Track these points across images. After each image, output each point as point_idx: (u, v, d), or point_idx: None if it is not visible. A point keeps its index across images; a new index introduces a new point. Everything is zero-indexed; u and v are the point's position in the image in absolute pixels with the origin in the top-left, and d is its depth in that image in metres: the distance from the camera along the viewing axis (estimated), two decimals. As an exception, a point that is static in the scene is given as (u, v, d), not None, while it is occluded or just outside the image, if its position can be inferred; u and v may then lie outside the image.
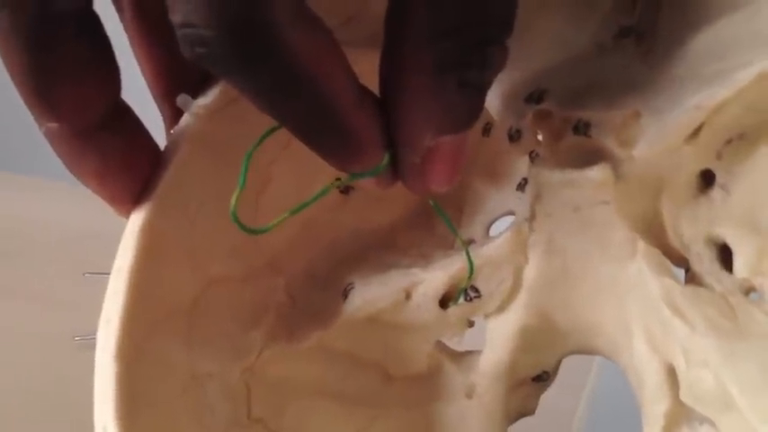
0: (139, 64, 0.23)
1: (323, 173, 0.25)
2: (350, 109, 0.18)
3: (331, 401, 0.25)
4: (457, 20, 0.17)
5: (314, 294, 0.25)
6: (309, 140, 0.18)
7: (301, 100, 0.17)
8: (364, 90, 0.18)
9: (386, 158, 0.19)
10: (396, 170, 0.19)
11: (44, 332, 0.46)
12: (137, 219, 0.20)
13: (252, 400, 0.23)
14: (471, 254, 0.25)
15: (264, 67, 0.16)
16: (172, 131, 0.22)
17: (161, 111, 0.23)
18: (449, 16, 0.17)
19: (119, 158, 0.20)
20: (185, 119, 0.22)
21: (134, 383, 0.20)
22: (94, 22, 0.19)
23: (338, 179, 0.20)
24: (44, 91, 0.18)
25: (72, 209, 0.60)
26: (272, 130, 0.19)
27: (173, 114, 0.22)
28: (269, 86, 0.17)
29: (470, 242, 0.27)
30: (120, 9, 0.22)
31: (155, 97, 0.23)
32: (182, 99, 0.22)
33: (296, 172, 0.24)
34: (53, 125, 0.19)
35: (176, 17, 0.16)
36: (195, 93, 0.22)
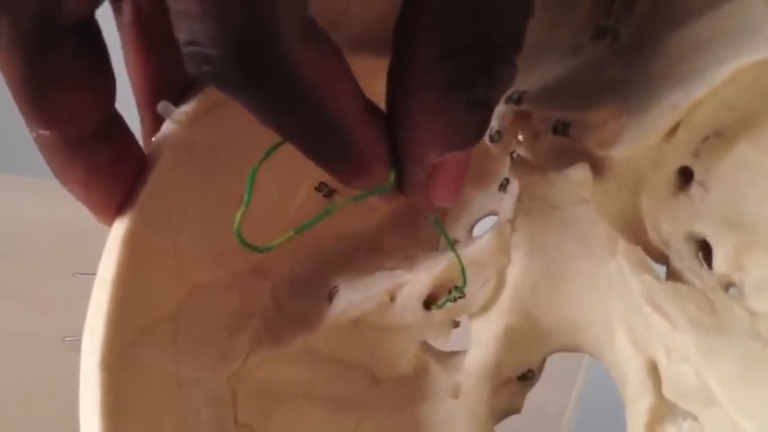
0: (128, 67, 0.22)
1: (306, 177, 0.25)
2: (357, 126, 0.17)
3: (318, 405, 0.25)
4: (465, 39, 0.17)
5: (299, 299, 0.25)
6: (316, 157, 0.18)
7: (308, 118, 0.17)
8: (371, 106, 0.18)
9: (392, 175, 0.19)
10: (400, 185, 0.19)
11: (34, 332, 0.46)
12: (119, 227, 0.20)
13: (238, 405, 0.23)
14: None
15: (271, 85, 0.16)
16: (153, 139, 0.22)
17: (141, 117, 0.23)
18: (457, 35, 0.17)
19: (106, 167, 0.20)
20: (166, 126, 0.22)
21: (119, 391, 0.20)
22: (95, 33, 0.19)
23: (326, 187, 0.20)
24: (40, 100, 0.18)
25: (62, 209, 0.59)
26: (277, 146, 0.19)
27: (153, 121, 0.22)
28: (275, 104, 0.16)
29: (455, 243, 0.27)
30: (117, 9, 0.22)
31: (138, 104, 0.23)
32: (162, 106, 0.22)
33: (278, 177, 0.24)
34: (45, 132, 0.19)
35: (182, 35, 0.15)
36: (177, 102, 0.22)
